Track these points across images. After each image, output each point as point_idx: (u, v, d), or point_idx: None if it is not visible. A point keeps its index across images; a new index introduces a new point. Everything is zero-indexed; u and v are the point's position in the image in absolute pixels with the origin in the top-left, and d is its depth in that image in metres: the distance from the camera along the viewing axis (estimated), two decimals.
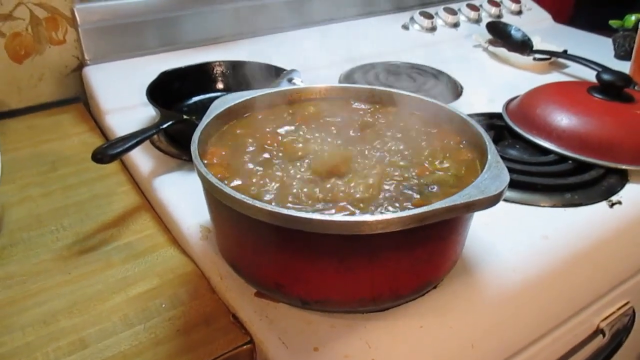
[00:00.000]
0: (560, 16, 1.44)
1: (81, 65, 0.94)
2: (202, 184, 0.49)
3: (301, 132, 0.59)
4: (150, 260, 0.60)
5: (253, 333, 0.50)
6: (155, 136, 0.77)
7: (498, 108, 0.88)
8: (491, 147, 0.52)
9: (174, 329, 0.51)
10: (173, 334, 0.51)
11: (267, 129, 0.60)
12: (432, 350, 0.51)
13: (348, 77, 1.00)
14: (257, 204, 0.42)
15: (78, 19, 0.89)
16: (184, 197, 0.66)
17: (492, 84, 1.03)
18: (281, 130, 0.60)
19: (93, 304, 0.54)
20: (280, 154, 0.55)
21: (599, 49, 1.19)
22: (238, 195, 0.43)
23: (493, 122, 0.84)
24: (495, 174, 0.47)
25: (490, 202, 0.44)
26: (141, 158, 0.75)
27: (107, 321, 0.52)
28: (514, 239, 0.61)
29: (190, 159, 0.73)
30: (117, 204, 0.70)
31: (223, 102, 0.59)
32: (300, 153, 0.55)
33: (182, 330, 0.51)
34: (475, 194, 0.44)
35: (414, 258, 0.46)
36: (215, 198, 0.46)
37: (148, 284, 0.57)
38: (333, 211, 0.46)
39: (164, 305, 0.54)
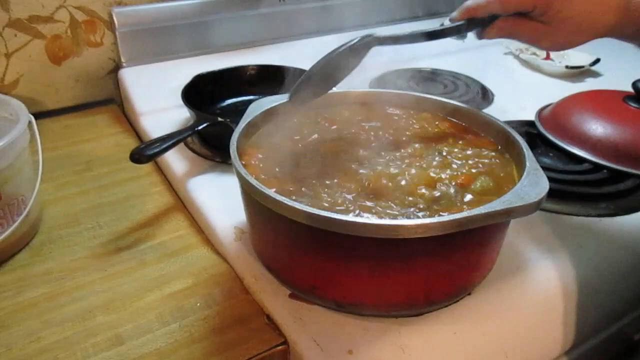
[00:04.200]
0: None
1: (117, 67, 0.96)
2: (240, 185, 0.49)
3: (337, 136, 0.60)
4: (184, 260, 0.61)
5: (287, 334, 0.50)
6: (189, 138, 0.78)
7: (530, 116, 0.87)
8: (529, 154, 0.51)
9: (208, 328, 0.52)
10: (208, 332, 0.51)
11: (303, 132, 0.60)
12: (465, 357, 0.51)
13: (378, 82, 1.01)
14: (296, 205, 0.42)
15: (116, 22, 0.91)
16: (217, 198, 0.67)
17: (523, 91, 1.02)
18: (316, 133, 0.60)
19: (129, 301, 0.55)
20: (316, 157, 0.56)
21: (632, 57, 1.17)
22: (277, 197, 0.43)
23: (526, 130, 0.83)
24: (534, 181, 0.47)
25: (529, 209, 0.44)
26: (175, 159, 0.76)
27: (142, 318, 0.53)
28: (549, 247, 0.60)
29: (222, 161, 0.75)
30: (151, 204, 0.71)
31: (259, 105, 0.60)
32: (336, 156, 0.55)
33: (217, 330, 0.52)
34: (515, 201, 0.43)
35: (451, 264, 0.46)
36: (253, 199, 0.47)
37: (182, 283, 0.58)
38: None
39: (198, 304, 0.55)
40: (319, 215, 0.41)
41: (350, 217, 0.41)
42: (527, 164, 0.49)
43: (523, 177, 0.47)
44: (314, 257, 0.46)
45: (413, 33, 0.57)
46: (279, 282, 0.54)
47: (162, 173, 0.78)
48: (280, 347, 0.50)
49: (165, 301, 0.55)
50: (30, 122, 0.63)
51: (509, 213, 0.43)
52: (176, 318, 0.53)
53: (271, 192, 0.44)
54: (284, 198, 0.43)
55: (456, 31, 0.58)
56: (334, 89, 0.80)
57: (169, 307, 0.54)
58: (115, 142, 0.86)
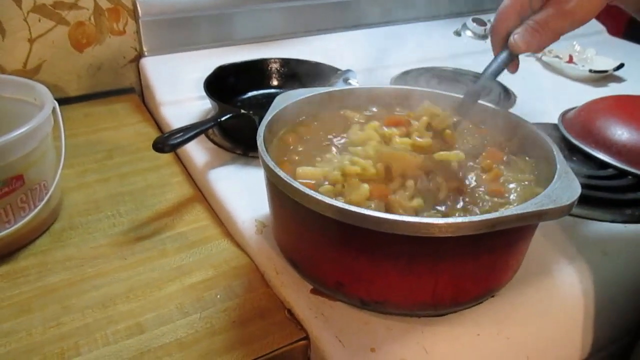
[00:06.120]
0: (614, 29, 1.40)
1: (138, 56, 0.96)
2: (268, 177, 0.49)
3: (363, 132, 0.59)
4: (204, 251, 0.61)
5: (309, 330, 0.50)
6: (210, 129, 0.78)
7: (552, 119, 0.86)
8: (559, 157, 0.51)
9: (229, 320, 0.51)
10: (229, 325, 0.51)
11: (329, 126, 0.60)
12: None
13: (399, 80, 1.00)
14: (327, 200, 0.42)
15: (139, 11, 0.91)
16: (238, 190, 0.67)
17: (546, 94, 1.01)
18: (343, 127, 0.60)
19: (149, 290, 0.55)
20: (340, 151, 0.56)
21: None
22: (307, 191, 0.43)
23: (549, 133, 0.82)
24: (566, 184, 0.46)
25: (561, 212, 0.43)
26: (195, 150, 0.76)
27: (163, 308, 0.53)
28: (573, 252, 0.60)
29: (243, 153, 0.74)
30: (171, 194, 0.71)
31: (286, 98, 0.60)
32: (362, 153, 0.55)
33: (238, 322, 0.51)
34: (547, 203, 0.43)
35: (479, 265, 0.45)
36: (280, 191, 0.46)
37: (203, 274, 0.57)
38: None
39: (218, 296, 0.54)
40: (349, 210, 0.41)
41: (381, 214, 0.40)
42: (558, 166, 0.49)
43: (554, 179, 0.47)
44: (342, 253, 0.46)
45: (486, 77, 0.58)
46: (300, 277, 0.53)
47: (182, 163, 0.78)
48: (301, 342, 0.50)
49: (186, 291, 0.55)
50: (54, 108, 0.63)
51: (541, 215, 0.42)
52: (197, 309, 0.53)
53: (300, 185, 0.44)
54: (314, 192, 0.43)
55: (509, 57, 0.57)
56: (356, 85, 0.81)
57: (189, 298, 0.54)
58: (136, 131, 0.86)
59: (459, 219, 0.40)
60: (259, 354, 0.48)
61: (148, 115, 0.91)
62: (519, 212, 0.42)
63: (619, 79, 1.09)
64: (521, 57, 1.19)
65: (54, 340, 0.49)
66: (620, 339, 0.63)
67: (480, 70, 1.05)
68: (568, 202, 0.43)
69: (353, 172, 0.49)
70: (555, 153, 0.51)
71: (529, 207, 0.42)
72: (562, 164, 0.49)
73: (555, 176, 0.47)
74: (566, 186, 0.46)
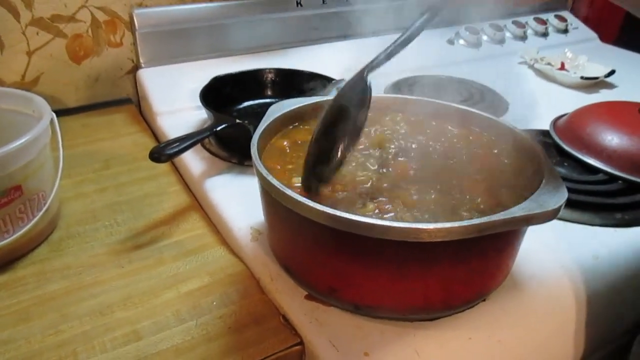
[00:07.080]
0: (606, 36, 1.42)
1: (135, 67, 0.97)
2: (261, 185, 0.50)
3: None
4: (200, 259, 0.62)
5: (303, 335, 0.50)
6: (206, 139, 0.79)
7: (544, 125, 0.87)
8: (547, 162, 0.52)
9: (225, 327, 0.52)
10: (224, 331, 0.52)
11: None
12: None
13: (393, 89, 1.01)
14: (318, 207, 0.43)
15: (136, 23, 0.92)
16: (233, 198, 0.68)
17: (538, 101, 1.02)
18: None
19: (146, 298, 0.56)
20: None
21: None
22: (299, 198, 0.44)
23: (540, 139, 0.83)
24: (553, 189, 0.47)
25: (548, 216, 0.44)
26: (192, 159, 0.77)
27: (160, 315, 0.54)
28: (564, 257, 0.61)
29: (239, 162, 0.75)
30: (168, 203, 0.71)
31: (280, 107, 0.61)
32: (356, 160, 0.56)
33: (233, 329, 0.52)
34: (534, 208, 0.44)
35: (469, 269, 0.46)
36: (273, 199, 0.47)
37: (199, 282, 0.58)
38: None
39: (214, 303, 0.55)
40: (340, 216, 0.42)
41: (372, 219, 0.41)
42: (546, 172, 0.50)
43: (542, 185, 0.48)
44: (334, 258, 0.47)
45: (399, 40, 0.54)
46: (295, 283, 0.54)
47: (179, 173, 0.79)
48: (296, 348, 0.50)
49: (182, 299, 0.56)
50: (52, 120, 0.64)
51: (528, 220, 0.44)
52: (193, 316, 0.54)
53: (293, 192, 0.45)
54: (306, 199, 0.44)
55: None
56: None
57: (185, 305, 0.55)
58: (133, 142, 0.87)
59: (448, 224, 0.41)
60: (255, 359, 0.49)
61: (145, 126, 0.92)
62: (507, 217, 0.43)
63: (611, 85, 1.11)
64: (512, 63, 1.21)
65: (52, 347, 0.50)
66: (613, 341, 0.64)
67: (473, 77, 1.07)
68: (555, 207, 0.44)
69: None
70: (543, 159, 0.53)
71: (517, 211, 0.43)
72: (549, 170, 0.50)
73: (543, 181, 0.48)
74: (553, 191, 0.47)
